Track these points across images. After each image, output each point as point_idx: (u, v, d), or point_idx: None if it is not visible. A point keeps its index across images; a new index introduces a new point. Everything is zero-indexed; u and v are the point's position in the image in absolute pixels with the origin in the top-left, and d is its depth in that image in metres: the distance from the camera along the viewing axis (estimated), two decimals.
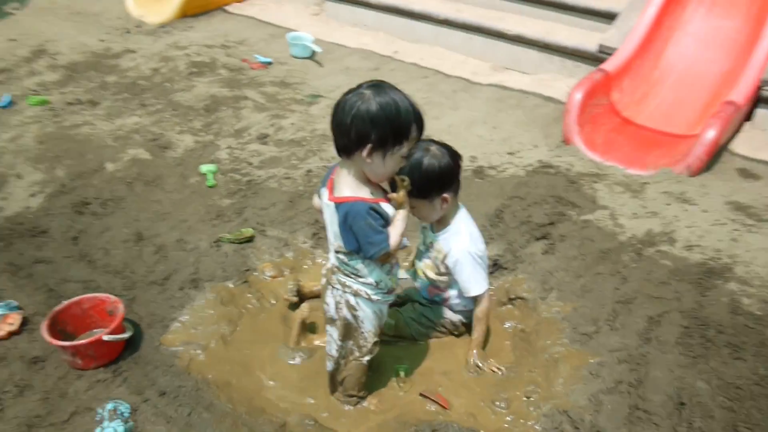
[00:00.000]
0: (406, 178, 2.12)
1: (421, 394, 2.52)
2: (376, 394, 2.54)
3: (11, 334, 2.68)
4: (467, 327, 2.80)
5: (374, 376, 2.59)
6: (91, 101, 4.77)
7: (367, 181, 2.07)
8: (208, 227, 3.37)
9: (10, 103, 4.71)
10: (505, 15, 5.54)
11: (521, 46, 5.28)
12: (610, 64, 4.51)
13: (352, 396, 2.47)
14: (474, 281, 2.61)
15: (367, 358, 2.38)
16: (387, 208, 2.09)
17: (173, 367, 2.59)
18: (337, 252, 2.19)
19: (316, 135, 4.26)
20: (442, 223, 2.67)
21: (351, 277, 2.21)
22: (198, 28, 6.23)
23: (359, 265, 2.17)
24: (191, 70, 5.22)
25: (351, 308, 2.26)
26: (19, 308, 2.81)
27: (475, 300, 2.65)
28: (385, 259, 2.14)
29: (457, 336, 2.84)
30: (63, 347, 2.50)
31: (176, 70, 5.23)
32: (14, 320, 2.72)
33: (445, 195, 2.54)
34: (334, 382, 2.46)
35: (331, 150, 4.01)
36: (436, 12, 5.66)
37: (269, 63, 5.53)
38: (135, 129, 4.26)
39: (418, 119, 2.00)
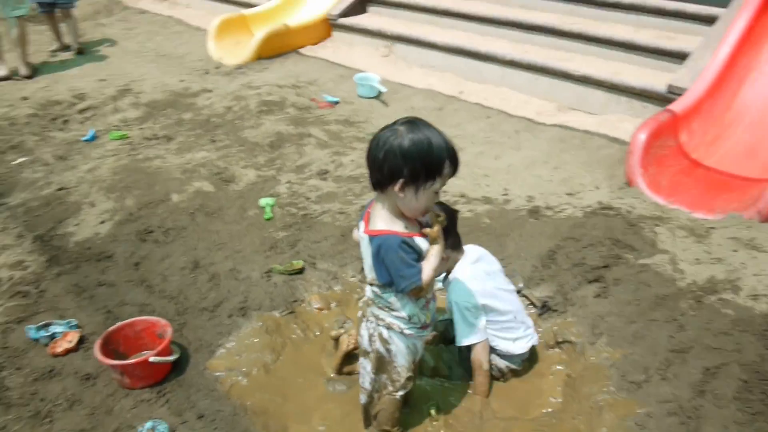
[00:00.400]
0: (442, 214, 2.13)
1: None
2: (411, 431, 2.51)
3: (68, 351, 2.82)
4: (515, 373, 2.74)
5: (409, 413, 2.57)
6: (166, 136, 5.05)
7: (402, 216, 2.09)
8: (261, 258, 3.47)
9: (94, 138, 5.07)
10: (572, 55, 5.50)
11: (588, 87, 5.21)
12: (678, 105, 4.37)
13: (386, 431, 2.44)
14: (463, 333, 2.60)
15: (400, 393, 2.35)
16: (421, 242, 2.09)
17: (214, 392, 2.66)
18: (371, 284, 2.21)
19: None
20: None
21: (384, 310, 2.21)
22: (272, 70, 6.52)
23: (392, 299, 2.17)
24: (261, 109, 5.45)
25: (384, 341, 2.26)
26: (78, 327, 2.98)
27: (471, 350, 2.63)
28: (418, 293, 2.13)
29: (503, 381, 2.76)
30: (112, 366, 2.62)
31: (247, 109, 5.47)
32: (72, 338, 2.88)
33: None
34: (368, 416, 2.45)
35: None
36: (501, 53, 5.69)
37: (336, 102, 5.70)
38: (202, 163, 4.47)
39: (451, 156, 2.01)
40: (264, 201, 3.95)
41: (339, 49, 7.04)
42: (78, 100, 5.72)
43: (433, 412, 2.58)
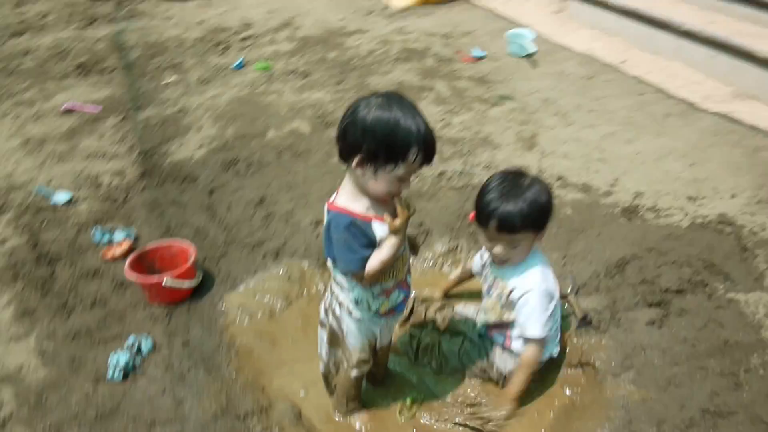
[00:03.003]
0: (413, 206, 1.90)
1: None
2: (371, 412, 2.38)
3: (116, 259, 3.09)
4: None
5: (382, 395, 2.45)
6: (304, 72, 5.19)
7: (367, 195, 1.90)
8: (320, 206, 3.44)
9: (241, 66, 5.38)
10: (765, 32, 4.51)
11: None
12: None
13: (342, 405, 2.34)
14: (535, 320, 2.27)
15: (354, 372, 2.22)
16: (377, 228, 1.89)
17: (213, 324, 2.76)
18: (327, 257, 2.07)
19: (477, 137, 4.03)
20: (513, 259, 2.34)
21: (338, 287, 2.08)
22: (433, 16, 6.32)
23: (339, 277, 2.03)
24: (400, 56, 5.33)
25: (336, 318, 2.13)
26: (135, 238, 3.24)
27: (527, 344, 2.31)
28: (360, 280, 1.95)
29: (500, 386, 2.48)
30: (130, 279, 2.82)
31: (387, 54, 5.39)
32: (125, 247, 3.14)
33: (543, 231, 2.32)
34: (329, 386, 2.36)
35: (478, 156, 3.80)
36: (679, 21, 4.85)
37: (481, 57, 5.36)
38: (313, 104, 4.53)
39: (422, 143, 1.77)
40: None
41: (510, 0, 6.57)
42: (244, 28, 6.09)
43: (408, 401, 2.41)
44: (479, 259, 2.57)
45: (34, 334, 2.62)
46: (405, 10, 6.51)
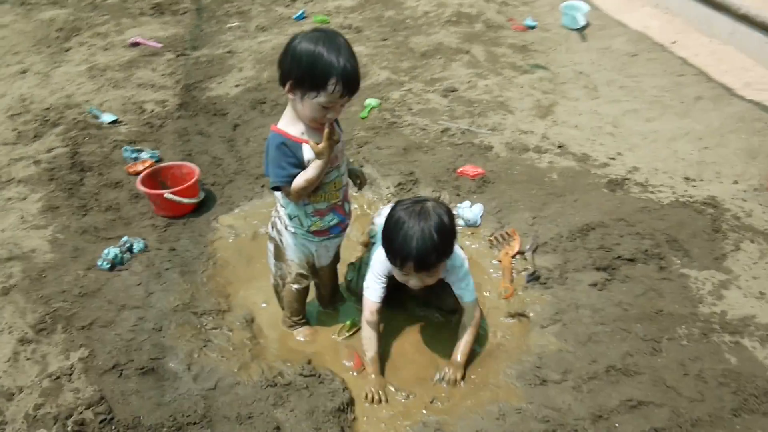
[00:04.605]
0: (338, 133, 2.11)
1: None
2: (313, 328, 2.66)
3: (138, 173, 3.47)
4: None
5: (329, 315, 2.74)
6: (357, 28, 5.42)
7: (302, 120, 2.13)
8: None
9: (302, 17, 5.66)
10: None
11: None
12: None
13: (287, 318, 2.62)
14: (469, 288, 2.42)
15: (295, 286, 2.49)
16: (306, 151, 2.13)
17: (201, 237, 3.10)
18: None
19: (495, 101, 4.13)
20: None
21: (278, 203, 2.34)
22: None
23: (278, 194, 2.27)
24: (450, 19, 5.42)
25: (277, 231, 2.40)
26: (159, 159, 3.63)
27: (471, 308, 2.44)
28: (287, 195, 2.18)
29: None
30: (139, 190, 3.20)
31: (439, 16, 5.49)
32: (146, 165, 3.53)
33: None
34: (279, 298, 2.63)
35: (488, 118, 3.91)
36: (737, 3, 4.66)
37: (533, 27, 5.37)
38: None
39: (342, 77, 1.96)
40: (369, 101, 4.11)
41: None
42: None
43: (348, 323, 2.65)
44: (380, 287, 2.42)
45: (52, 226, 3.06)
46: None
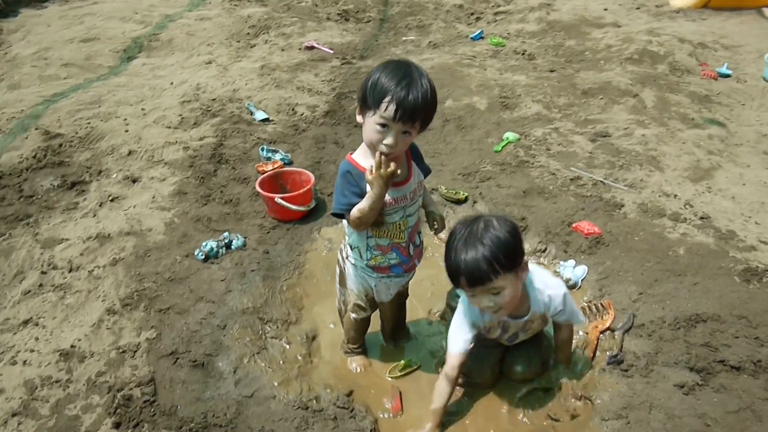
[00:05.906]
0: (392, 166, 1.99)
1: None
2: (368, 360, 2.63)
3: (264, 173, 3.68)
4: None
5: (389, 352, 2.68)
6: (530, 55, 5.24)
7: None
8: (451, 177, 3.60)
9: (479, 38, 5.60)
10: None
11: None
12: None
13: (344, 343, 2.63)
14: (576, 312, 2.40)
15: (353, 315, 2.48)
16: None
17: (298, 246, 3.21)
18: None
19: (646, 154, 3.71)
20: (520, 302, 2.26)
21: (345, 231, 2.33)
22: (704, 22, 5.75)
23: (344, 221, 2.26)
24: (632, 57, 4.99)
25: (342, 259, 2.41)
26: (290, 162, 3.82)
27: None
28: (350, 223, 2.15)
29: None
30: (256, 191, 3.38)
31: (621, 52, 5.09)
32: (277, 166, 3.73)
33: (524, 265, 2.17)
34: (342, 323, 2.64)
35: (631, 173, 3.56)
36: None
37: (726, 76, 4.76)
38: (507, 84, 4.60)
39: (397, 98, 1.92)
40: (507, 135, 3.94)
41: None
42: (503, 3, 6.24)
43: (402, 363, 2.59)
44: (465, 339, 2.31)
45: (174, 210, 3.37)
46: (680, 10, 5.97)
